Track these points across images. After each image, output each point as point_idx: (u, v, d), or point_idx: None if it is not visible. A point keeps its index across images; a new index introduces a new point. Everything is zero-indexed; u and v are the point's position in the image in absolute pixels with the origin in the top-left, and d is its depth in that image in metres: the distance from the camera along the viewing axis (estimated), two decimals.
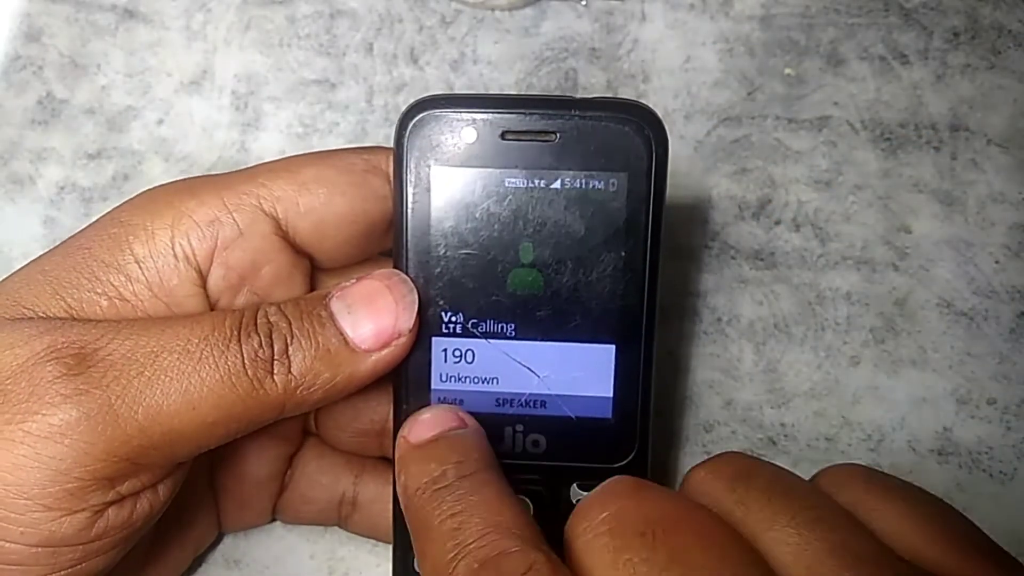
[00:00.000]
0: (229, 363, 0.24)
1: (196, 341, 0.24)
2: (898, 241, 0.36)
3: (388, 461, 0.28)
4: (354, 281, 0.26)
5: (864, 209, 0.36)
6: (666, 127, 0.26)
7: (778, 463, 0.33)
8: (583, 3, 0.39)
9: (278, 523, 0.33)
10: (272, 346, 0.24)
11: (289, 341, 0.24)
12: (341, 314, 0.25)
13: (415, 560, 0.24)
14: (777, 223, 0.36)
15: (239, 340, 0.24)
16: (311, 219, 0.26)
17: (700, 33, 0.38)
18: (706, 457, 0.23)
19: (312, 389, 0.24)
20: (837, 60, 0.38)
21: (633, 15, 0.38)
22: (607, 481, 0.22)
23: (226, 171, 0.27)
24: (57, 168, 0.38)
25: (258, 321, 0.24)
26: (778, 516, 0.20)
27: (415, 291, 0.26)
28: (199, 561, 0.33)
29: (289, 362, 0.24)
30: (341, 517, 0.31)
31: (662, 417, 0.34)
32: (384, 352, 0.25)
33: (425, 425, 0.25)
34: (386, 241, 0.28)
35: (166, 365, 0.23)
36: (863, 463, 0.25)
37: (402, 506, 0.24)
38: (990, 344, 0.35)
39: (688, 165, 0.37)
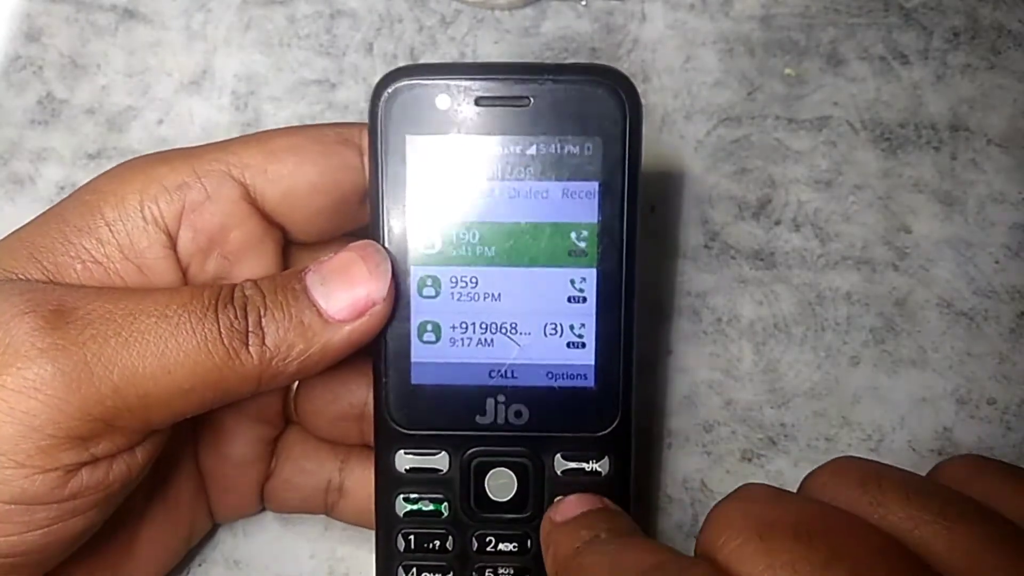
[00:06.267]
0: (206, 330, 0.24)
1: (175, 307, 0.24)
2: (898, 241, 0.36)
3: (372, 449, 0.28)
4: (331, 256, 0.26)
5: (864, 209, 0.36)
6: (640, 95, 0.26)
7: (778, 463, 0.34)
8: (583, 3, 0.39)
9: (278, 523, 0.33)
10: (246, 318, 0.24)
11: (263, 313, 0.24)
12: (315, 286, 0.25)
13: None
14: (777, 223, 0.36)
15: (216, 310, 0.24)
16: (280, 187, 0.27)
17: (700, 33, 0.38)
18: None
19: (287, 360, 0.25)
20: (837, 60, 0.38)
21: (633, 15, 0.38)
22: (738, 489, 0.22)
23: None
24: (57, 168, 0.38)
25: (235, 294, 0.25)
26: (922, 514, 0.20)
27: (389, 260, 0.26)
28: (200, 561, 0.33)
29: (263, 334, 0.24)
30: (328, 505, 0.31)
31: (662, 417, 0.34)
32: (359, 322, 0.25)
33: (571, 505, 0.25)
34: (360, 215, 0.28)
35: (143, 327, 0.23)
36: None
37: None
38: (990, 344, 0.35)
39: (688, 165, 0.37)
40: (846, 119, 0.37)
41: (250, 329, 0.24)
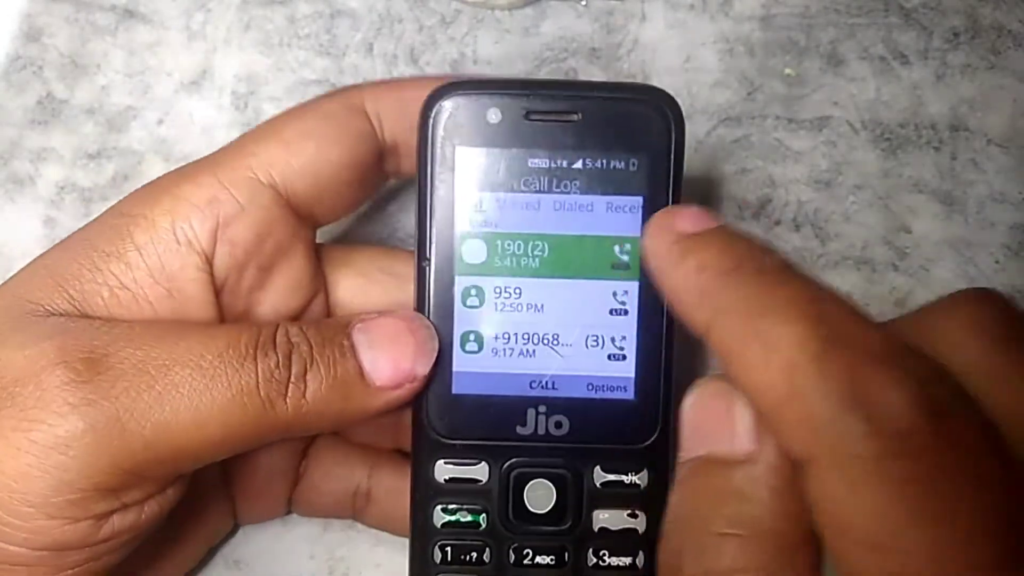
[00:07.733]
0: (242, 382, 0.23)
1: (210, 357, 0.23)
2: (898, 241, 0.36)
3: (403, 453, 0.28)
4: (376, 315, 0.26)
5: (864, 209, 0.36)
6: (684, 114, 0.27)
7: None
8: (583, 3, 0.38)
9: (278, 523, 0.33)
10: (290, 368, 0.24)
11: (308, 365, 0.24)
12: (362, 347, 0.25)
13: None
14: (777, 223, 0.36)
15: (255, 358, 0.24)
16: (307, 176, 0.26)
17: (700, 33, 0.38)
18: None
19: (322, 417, 0.24)
20: (837, 60, 0.38)
21: (633, 15, 0.38)
22: (955, 293, 0.21)
23: None
24: (57, 168, 0.38)
25: (277, 339, 0.24)
26: None
27: (436, 339, 0.26)
28: (200, 562, 0.33)
29: (305, 387, 0.24)
30: (356, 510, 0.31)
31: None
32: (396, 392, 0.25)
33: (695, 216, 0.22)
34: (381, 177, 0.28)
35: (177, 380, 0.23)
36: None
37: (682, 294, 0.21)
38: None
39: (688, 165, 0.37)
40: (846, 119, 0.37)
41: (292, 380, 0.24)
